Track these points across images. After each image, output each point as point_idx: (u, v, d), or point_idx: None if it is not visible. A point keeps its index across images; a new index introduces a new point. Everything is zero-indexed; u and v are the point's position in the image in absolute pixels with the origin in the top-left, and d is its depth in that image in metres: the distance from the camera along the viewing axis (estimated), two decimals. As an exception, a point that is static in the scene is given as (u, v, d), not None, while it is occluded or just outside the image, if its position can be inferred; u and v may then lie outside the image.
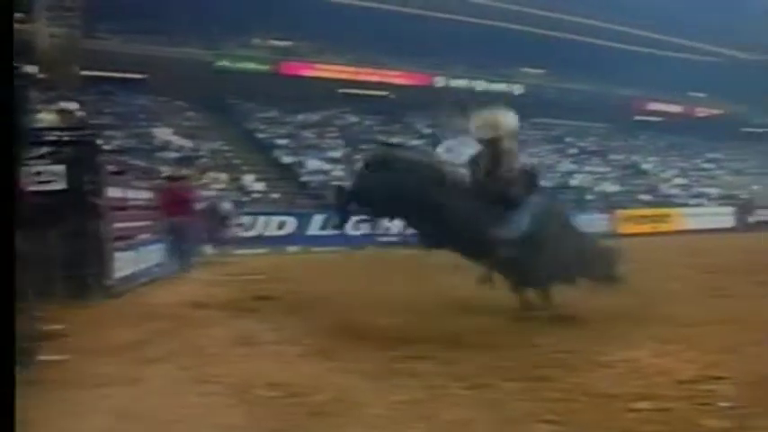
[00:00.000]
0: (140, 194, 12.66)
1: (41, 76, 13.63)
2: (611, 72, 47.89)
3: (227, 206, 21.82)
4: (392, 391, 4.97)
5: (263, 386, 5.07)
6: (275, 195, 29.04)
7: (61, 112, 12.06)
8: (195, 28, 38.68)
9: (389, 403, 4.67)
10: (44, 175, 9.33)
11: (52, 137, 10.72)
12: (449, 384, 5.19)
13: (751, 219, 36.29)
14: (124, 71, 36.90)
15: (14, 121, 3.02)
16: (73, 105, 12.88)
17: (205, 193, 24.25)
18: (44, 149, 10.04)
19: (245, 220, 24.60)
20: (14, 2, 3.10)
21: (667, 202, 38.83)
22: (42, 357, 5.60)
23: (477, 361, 5.90)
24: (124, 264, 10.73)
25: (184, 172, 20.39)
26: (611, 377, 5.33)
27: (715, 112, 54.42)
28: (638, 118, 52.59)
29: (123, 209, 11.46)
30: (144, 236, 12.56)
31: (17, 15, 28.83)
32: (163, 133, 30.57)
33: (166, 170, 19.45)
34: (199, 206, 20.12)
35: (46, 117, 11.48)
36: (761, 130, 55.26)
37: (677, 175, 45.31)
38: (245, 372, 5.51)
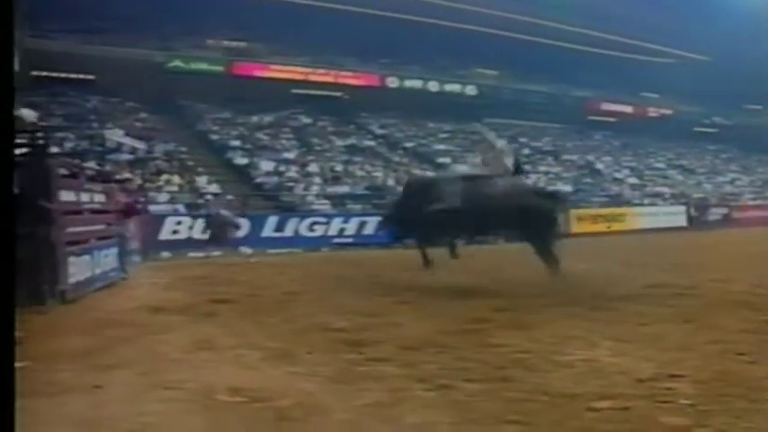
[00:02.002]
0: (94, 197, 12.47)
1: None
2: (565, 73, 48.41)
3: (226, 212, 21.78)
4: (356, 394, 4.94)
5: (225, 391, 5.01)
6: (229, 197, 28.83)
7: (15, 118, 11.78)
8: (147, 28, 38.43)
9: (354, 407, 4.63)
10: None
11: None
12: (412, 386, 5.16)
13: (704, 217, 36.78)
14: (75, 71, 36.53)
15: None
16: (28, 112, 12.60)
17: (207, 199, 24.26)
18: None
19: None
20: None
21: (621, 201, 39.19)
22: (-4, 365, 5.47)
23: (439, 362, 5.88)
24: (78, 269, 10.56)
25: (127, 175, 20.30)
26: (572, 376, 5.32)
27: (667, 112, 55.18)
28: (591, 118, 53.17)
29: (76, 213, 11.28)
30: (98, 240, 12.37)
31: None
32: (115, 135, 30.17)
33: (119, 172, 19.38)
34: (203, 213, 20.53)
35: None
36: (712, 130, 56.16)
37: (631, 175, 45.78)
38: (206, 377, 5.44)
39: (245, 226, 24.71)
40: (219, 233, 20.56)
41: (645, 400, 4.64)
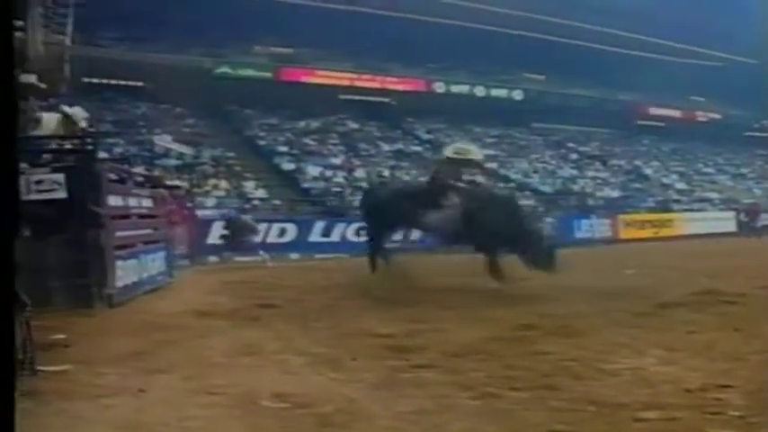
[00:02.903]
0: (142, 202, 12.58)
1: (39, 84, 13.48)
2: (612, 77, 47.95)
3: (245, 217, 21.89)
4: (399, 401, 4.89)
5: (268, 397, 4.99)
6: (276, 202, 28.99)
7: (66, 118, 11.92)
8: (196, 35, 38.80)
9: (397, 414, 4.58)
10: (45, 184, 9.25)
11: (53, 145, 10.66)
12: (456, 394, 5.10)
13: (754, 223, 36.11)
14: (125, 78, 37.01)
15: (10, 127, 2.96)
16: (77, 110, 12.72)
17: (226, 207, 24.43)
18: (45, 158, 10.00)
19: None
20: (12, 8, 3.02)
21: (669, 206, 38.73)
22: (43, 368, 5.52)
23: (484, 369, 5.82)
24: (126, 272, 10.64)
25: (176, 182, 20.48)
26: (618, 385, 5.23)
27: (715, 116, 54.41)
28: (639, 123, 52.58)
29: (124, 217, 11.38)
30: (145, 244, 12.47)
31: (14, 23, 28.88)
32: (163, 140, 30.48)
33: (167, 177, 19.59)
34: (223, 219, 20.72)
35: (49, 124, 11.37)
36: (761, 135, 55.22)
37: (679, 180, 45.23)
38: (249, 382, 5.42)
39: (292, 231, 24.83)
40: (239, 237, 20.62)
41: (693, 410, 4.51)
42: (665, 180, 44.77)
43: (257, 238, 21.38)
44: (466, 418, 4.52)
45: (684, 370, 5.61)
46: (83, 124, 12.81)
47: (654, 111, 53.50)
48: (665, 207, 38.32)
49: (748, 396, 4.82)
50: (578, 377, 5.49)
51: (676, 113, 54.06)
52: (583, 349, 6.47)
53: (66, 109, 12.33)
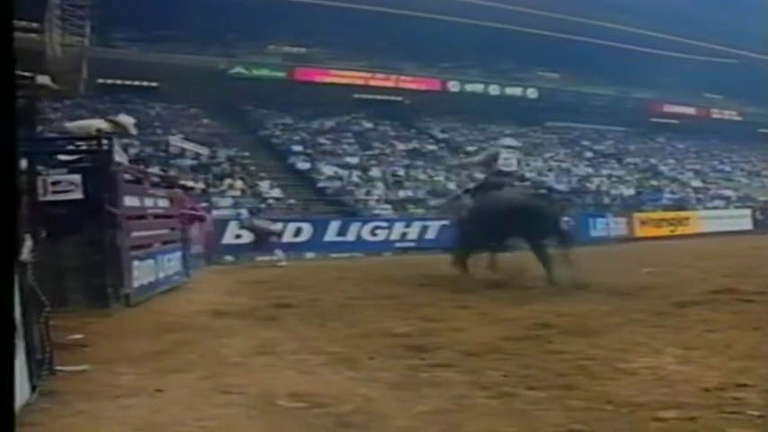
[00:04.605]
0: (158, 203, 12.62)
1: (53, 85, 13.55)
2: (627, 74, 47.82)
3: (262, 222, 21.88)
4: (417, 401, 4.87)
5: (285, 396, 4.99)
6: (291, 201, 29.04)
7: (115, 125, 12.00)
8: (210, 35, 38.91)
9: (414, 414, 4.57)
10: (62, 185, 9.29)
11: (69, 146, 10.71)
12: (473, 393, 5.09)
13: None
14: (140, 79, 37.18)
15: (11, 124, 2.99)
16: (125, 117, 12.82)
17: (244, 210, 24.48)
18: (61, 158, 10.05)
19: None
20: (15, 6, 3.04)
21: (685, 204, 38.57)
22: (61, 368, 5.54)
23: (501, 369, 5.80)
24: (142, 272, 10.68)
25: (190, 180, 20.55)
26: (636, 385, 5.20)
27: (731, 113, 54.14)
28: (654, 120, 52.39)
29: (141, 218, 11.43)
30: (162, 244, 12.51)
31: (31, 25, 29.25)
32: (178, 141, 30.61)
33: (183, 178, 19.67)
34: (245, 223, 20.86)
35: (101, 126, 11.41)
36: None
37: (694, 178, 45.04)
38: (266, 382, 5.43)
39: (307, 230, 24.88)
40: (263, 240, 20.73)
41: (711, 410, 4.46)
42: (680, 178, 44.57)
43: (276, 239, 21.41)
44: (483, 417, 4.50)
45: (702, 369, 5.55)
46: (132, 131, 12.98)
47: (669, 108, 53.32)
48: (680, 205, 38.17)
49: (767, 395, 4.79)
50: (595, 376, 5.45)
51: (691, 111, 53.85)
52: (600, 348, 6.43)
53: (115, 117, 12.46)
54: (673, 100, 52.75)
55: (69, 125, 12.87)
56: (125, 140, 15.13)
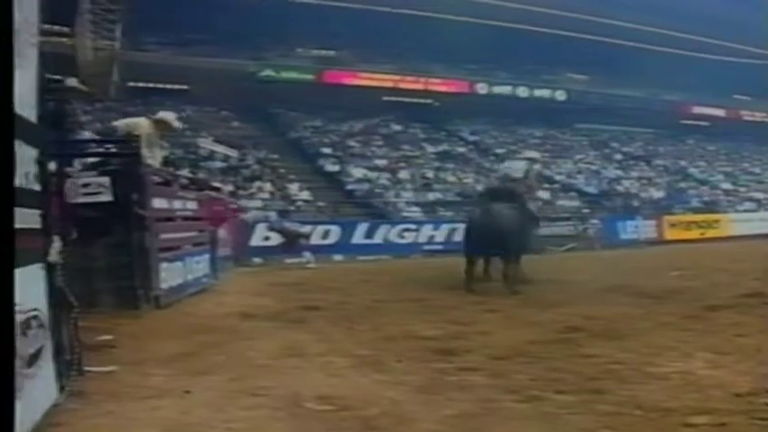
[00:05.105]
0: (186, 205, 12.67)
1: (83, 87, 13.69)
2: (655, 76, 47.45)
3: (290, 225, 21.92)
4: (444, 404, 4.86)
5: (312, 399, 4.99)
6: (321, 204, 29.09)
7: (158, 122, 12.11)
8: (239, 39, 39.04)
9: (441, 417, 4.56)
10: (91, 187, 9.34)
11: (98, 148, 10.78)
12: (501, 397, 5.06)
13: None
14: (170, 82, 37.45)
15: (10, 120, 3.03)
16: (168, 114, 12.94)
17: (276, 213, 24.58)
18: (91, 161, 10.11)
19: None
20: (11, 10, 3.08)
21: (715, 207, 38.22)
22: (90, 368, 5.57)
23: (529, 372, 5.78)
24: (171, 274, 10.72)
25: (219, 183, 20.64)
26: (666, 389, 5.15)
27: (761, 115, 53.63)
28: (683, 122, 52.01)
29: (169, 220, 11.47)
30: (190, 246, 12.56)
31: (62, 30, 29.55)
32: (208, 143, 30.77)
33: (212, 180, 19.77)
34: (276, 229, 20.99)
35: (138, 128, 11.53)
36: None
37: (725, 180, 44.63)
38: (294, 384, 5.43)
39: (336, 233, 24.93)
40: (291, 242, 20.81)
41: (742, 415, 4.42)
42: (710, 180, 44.19)
43: (305, 241, 21.48)
44: (511, 421, 4.49)
45: (733, 374, 5.50)
46: (176, 124, 13.09)
47: (698, 110, 52.85)
48: (711, 207, 37.82)
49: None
50: (625, 380, 5.42)
51: (721, 113, 53.35)
52: (629, 352, 6.39)
53: (159, 115, 12.57)
54: (702, 102, 52.28)
55: (116, 123, 12.98)
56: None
